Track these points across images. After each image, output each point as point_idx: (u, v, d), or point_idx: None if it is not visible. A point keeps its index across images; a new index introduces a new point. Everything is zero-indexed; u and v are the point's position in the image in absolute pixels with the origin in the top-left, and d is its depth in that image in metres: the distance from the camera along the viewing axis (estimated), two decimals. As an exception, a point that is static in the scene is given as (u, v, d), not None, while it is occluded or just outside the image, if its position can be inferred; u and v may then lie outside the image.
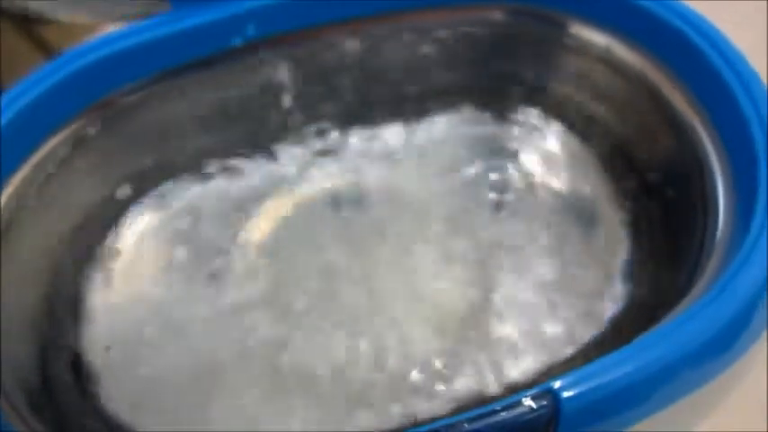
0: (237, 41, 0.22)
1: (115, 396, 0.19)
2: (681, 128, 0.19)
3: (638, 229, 0.20)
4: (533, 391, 0.14)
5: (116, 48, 0.20)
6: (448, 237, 0.22)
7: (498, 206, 0.23)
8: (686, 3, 0.19)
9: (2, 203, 0.18)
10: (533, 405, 0.14)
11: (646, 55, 0.20)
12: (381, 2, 0.23)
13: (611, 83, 0.21)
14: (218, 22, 0.21)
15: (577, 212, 0.22)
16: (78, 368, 0.19)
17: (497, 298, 0.21)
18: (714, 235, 0.17)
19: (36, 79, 0.19)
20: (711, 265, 0.17)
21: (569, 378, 0.14)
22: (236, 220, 0.22)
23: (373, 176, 0.23)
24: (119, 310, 0.20)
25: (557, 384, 0.14)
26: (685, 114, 0.19)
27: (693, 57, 0.19)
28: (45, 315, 0.19)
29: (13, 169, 0.18)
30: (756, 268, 0.15)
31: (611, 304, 0.19)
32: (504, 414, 0.14)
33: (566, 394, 0.14)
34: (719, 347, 0.15)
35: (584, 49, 0.22)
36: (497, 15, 0.23)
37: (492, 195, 0.23)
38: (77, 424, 0.18)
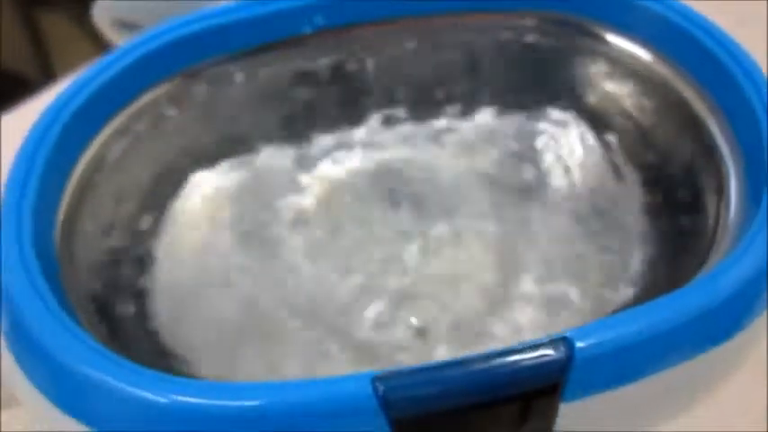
0: (307, 30, 0.24)
1: (169, 329, 0.21)
2: (699, 129, 0.21)
3: (657, 217, 0.22)
4: (548, 339, 0.16)
5: (203, 25, 0.22)
6: (479, 220, 0.24)
7: (524, 197, 0.24)
8: (712, 20, 0.21)
9: (94, 149, 0.21)
10: (547, 351, 0.16)
11: (668, 62, 0.22)
12: (427, 3, 0.25)
13: (635, 87, 0.23)
14: (290, 11, 0.24)
15: (600, 205, 0.23)
16: (140, 303, 0.21)
17: (522, 276, 0.23)
18: (726, 222, 0.19)
19: (130, 48, 0.22)
20: (723, 246, 0.18)
21: (584, 329, 0.16)
22: (295, 189, 0.25)
23: (411, 163, 0.26)
24: (179, 259, 0.23)
25: (571, 333, 0.16)
26: (703, 115, 0.21)
27: (712, 64, 0.21)
28: (114, 249, 0.21)
29: (108, 118, 0.21)
30: (761, 247, 0.17)
31: (628, 283, 0.21)
32: (516, 357, 0.16)
33: (579, 344, 0.16)
34: (726, 314, 0.17)
35: (612, 56, 0.24)
36: (529, 22, 0.25)
37: (519, 187, 0.25)
38: (133, 344, 0.20)
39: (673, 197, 0.22)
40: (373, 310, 0.23)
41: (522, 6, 0.25)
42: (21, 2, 1.02)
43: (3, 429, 0.27)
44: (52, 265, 0.19)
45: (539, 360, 0.16)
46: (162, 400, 0.16)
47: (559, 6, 0.24)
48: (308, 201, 0.25)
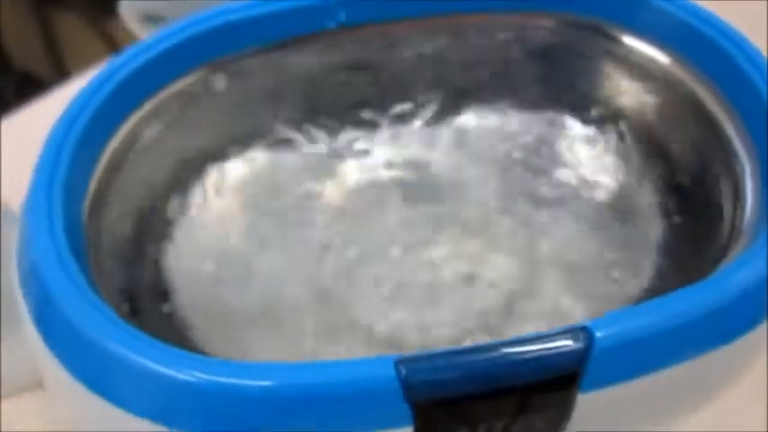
0: (331, 25, 0.25)
1: (187, 311, 0.22)
2: (715, 130, 0.22)
3: (675, 216, 0.22)
4: (568, 328, 0.16)
5: (230, 18, 0.23)
6: (492, 219, 0.25)
7: (542, 196, 0.25)
8: (721, 17, 0.22)
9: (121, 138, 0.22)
10: (566, 340, 0.16)
11: (685, 65, 0.23)
12: (442, 3, 0.25)
13: (651, 88, 0.24)
14: (315, 7, 0.24)
15: (616, 204, 0.24)
16: (160, 284, 0.22)
17: (541, 273, 0.23)
18: (742, 220, 0.19)
19: (156, 40, 0.22)
20: (740, 243, 0.19)
21: (603, 319, 0.17)
22: (316, 180, 0.25)
23: (429, 160, 0.26)
24: (201, 243, 0.23)
25: (590, 323, 0.16)
26: (719, 117, 0.22)
27: (724, 63, 0.21)
28: (139, 230, 0.22)
29: (138, 105, 0.22)
30: None
31: (646, 280, 0.21)
32: (536, 345, 0.16)
33: (598, 333, 0.16)
34: (742, 308, 0.17)
35: (630, 59, 0.24)
36: (548, 24, 0.25)
37: (537, 186, 0.25)
38: (151, 322, 0.20)
39: (690, 197, 0.22)
40: (389, 304, 0.23)
41: (540, 8, 0.25)
42: (35, 2, 1.03)
43: (3, 429, 0.27)
44: (79, 242, 0.19)
45: (558, 349, 0.16)
46: (186, 377, 0.16)
47: (577, 9, 0.25)
48: (328, 192, 0.25)
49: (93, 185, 0.21)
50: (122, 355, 0.17)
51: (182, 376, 0.16)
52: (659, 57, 0.23)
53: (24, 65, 0.96)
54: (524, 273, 0.23)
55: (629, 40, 0.24)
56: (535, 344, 0.16)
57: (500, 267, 0.23)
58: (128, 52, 0.22)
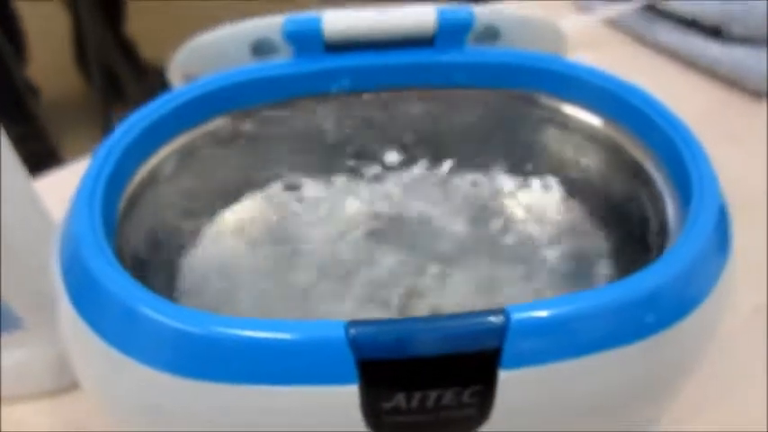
0: (334, 89, 0.30)
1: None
2: (639, 170, 0.26)
3: (615, 242, 0.27)
4: (491, 309, 0.20)
5: (246, 77, 0.28)
6: (462, 258, 0.29)
7: (500, 240, 0.29)
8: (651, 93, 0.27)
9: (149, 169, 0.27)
10: (488, 318, 0.20)
11: (610, 121, 0.28)
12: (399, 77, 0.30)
13: (588, 146, 0.29)
14: (320, 72, 0.29)
15: (568, 239, 0.28)
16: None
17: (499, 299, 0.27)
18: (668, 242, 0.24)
19: (182, 92, 0.27)
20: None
21: (523, 305, 0.20)
22: (313, 222, 0.30)
23: (392, 209, 0.31)
24: (205, 267, 0.27)
25: (510, 306, 0.20)
26: (641, 160, 0.27)
27: (643, 120, 0.26)
28: (163, 234, 0.26)
29: (169, 139, 0.27)
30: (685, 256, 0.21)
31: None
32: (463, 321, 0.20)
33: (516, 315, 0.20)
34: (657, 303, 0.20)
35: (569, 124, 0.29)
36: (492, 97, 0.30)
37: (495, 231, 0.30)
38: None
39: (624, 226, 0.26)
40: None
41: (493, 85, 0.30)
42: (102, 99, 1.14)
43: (3, 429, 0.30)
44: (112, 235, 0.24)
45: (479, 325, 0.20)
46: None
47: (521, 85, 0.29)
48: (324, 232, 0.30)
49: (122, 205, 0.25)
50: (148, 315, 0.20)
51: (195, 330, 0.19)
52: (592, 120, 0.28)
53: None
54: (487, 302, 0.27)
55: (568, 109, 0.29)
56: (460, 319, 0.20)
57: (459, 297, 0.27)
58: (158, 100, 0.27)
